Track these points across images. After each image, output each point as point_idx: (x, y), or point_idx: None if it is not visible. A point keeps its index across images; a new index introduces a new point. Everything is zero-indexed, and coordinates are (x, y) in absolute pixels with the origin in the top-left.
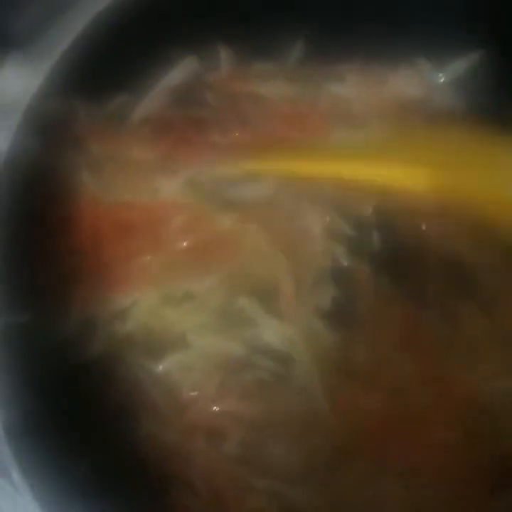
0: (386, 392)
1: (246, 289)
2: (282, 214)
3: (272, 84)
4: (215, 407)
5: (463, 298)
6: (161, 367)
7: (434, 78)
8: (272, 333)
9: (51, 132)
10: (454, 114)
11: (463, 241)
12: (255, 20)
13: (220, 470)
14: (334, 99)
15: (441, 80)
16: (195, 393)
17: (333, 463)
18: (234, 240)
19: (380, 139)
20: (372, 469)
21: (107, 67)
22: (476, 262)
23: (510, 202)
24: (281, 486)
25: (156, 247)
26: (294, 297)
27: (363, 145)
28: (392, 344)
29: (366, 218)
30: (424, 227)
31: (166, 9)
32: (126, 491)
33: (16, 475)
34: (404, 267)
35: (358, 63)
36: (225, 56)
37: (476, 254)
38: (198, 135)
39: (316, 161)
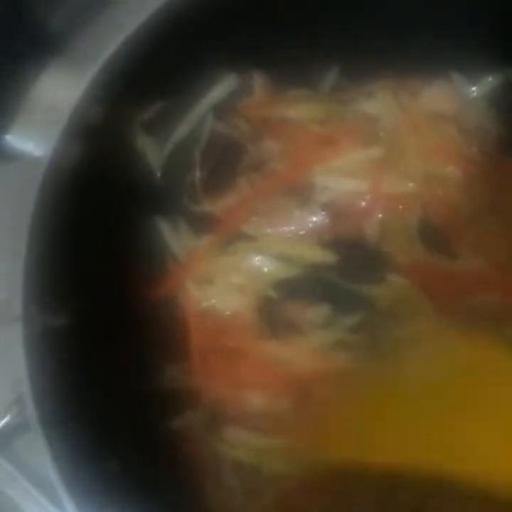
0: None
1: None
2: None
3: (302, 108)
4: None
5: None
6: None
7: (467, 93)
8: None
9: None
10: (486, 129)
11: None
12: (290, 46)
13: None
14: (364, 117)
15: (474, 95)
16: None
17: None
18: None
19: None
20: None
21: (149, 78)
22: None
23: None
24: None
25: None
26: None
27: None
28: None
29: None
30: None
31: (212, 24)
32: (159, 490)
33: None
34: None
35: (391, 80)
36: (259, 82)
37: None
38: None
39: None
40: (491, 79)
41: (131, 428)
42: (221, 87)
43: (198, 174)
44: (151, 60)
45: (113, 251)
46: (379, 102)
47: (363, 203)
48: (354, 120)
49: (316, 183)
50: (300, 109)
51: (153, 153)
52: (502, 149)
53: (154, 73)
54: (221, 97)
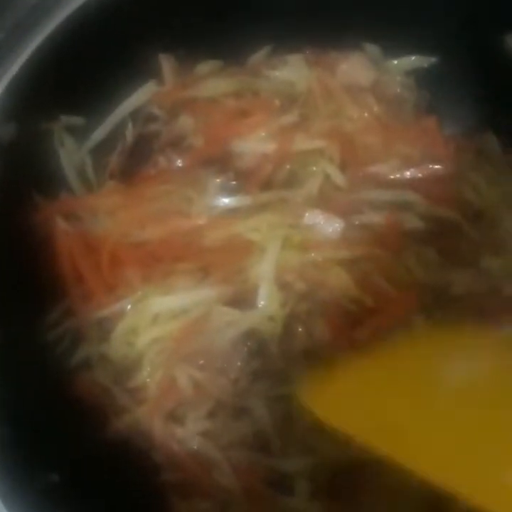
0: None
1: None
2: None
3: (213, 84)
4: None
5: None
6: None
7: (384, 65)
8: None
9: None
10: (403, 102)
11: None
12: (195, 21)
13: None
14: (277, 84)
15: (392, 67)
16: None
17: None
18: None
19: None
20: None
21: (61, 90)
22: None
23: None
24: None
25: None
26: None
27: None
28: None
29: None
30: None
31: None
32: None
33: None
34: None
35: (308, 53)
36: (166, 66)
37: None
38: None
39: None
40: (413, 58)
41: (66, 437)
42: (139, 94)
43: (115, 159)
44: (60, 75)
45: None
46: (294, 69)
47: (273, 159)
48: (268, 90)
49: (232, 151)
50: (212, 86)
51: (71, 151)
52: (419, 116)
53: (67, 88)
54: (139, 104)
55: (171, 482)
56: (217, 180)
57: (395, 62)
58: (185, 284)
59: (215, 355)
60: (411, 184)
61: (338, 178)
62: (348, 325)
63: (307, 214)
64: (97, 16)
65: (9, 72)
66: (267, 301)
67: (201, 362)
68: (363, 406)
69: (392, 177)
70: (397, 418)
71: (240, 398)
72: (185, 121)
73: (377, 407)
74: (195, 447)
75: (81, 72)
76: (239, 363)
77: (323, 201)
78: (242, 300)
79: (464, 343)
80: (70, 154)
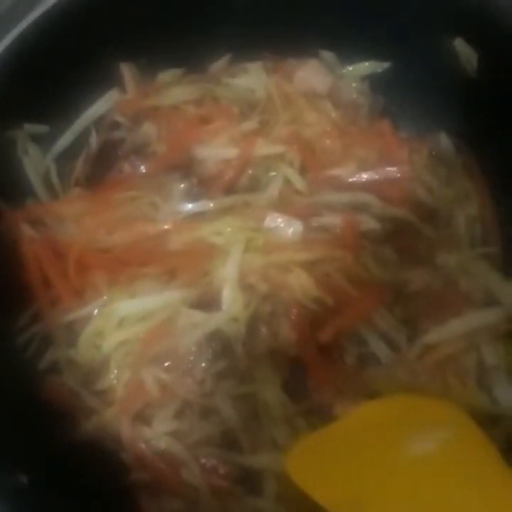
0: None
1: None
2: None
3: (175, 93)
4: None
5: None
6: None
7: (340, 71)
8: None
9: None
10: (358, 107)
11: None
12: (155, 31)
13: None
14: (237, 91)
15: (347, 73)
16: None
17: None
18: None
19: None
20: None
21: (24, 98)
22: None
23: None
24: None
25: None
26: None
27: None
28: None
29: None
30: None
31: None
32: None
33: None
34: None
35: (266, 61)
36: (127, 74)
37: None
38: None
39: None
40: (368, 63)
41: (35, 439)
42: (102, 102)
43: (79, 166)
44: (21, 84)
45: None
46: (253, 77)
47: (235, 165)
48: (229, 97)
49: (195, 157)
50: (173, 94)
51: (35, 159)
52: (374, 120)
53: (29, 96)
54: (102, 112)
55: (140, 482)
56: (181, 185)
57: (350, 68)
58: (150, 287)
59: (181, 357)
60: (368, 186)
61: (298, 182)
62: (311, 325)
63: (268, 217)
64: (59, 25)
65: None
66: (230, 302)
67: (167, 363)
68: (331, 475)
69: (349, 180)
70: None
71: (207, 398)
72: (149, 129)
73: (344, 476)
74: (163, 447)
75: (44, 80)
76: (204, 364)
77: (284, 205)
78: (206, 302)
79: (424, 416)
80: (35, 162)
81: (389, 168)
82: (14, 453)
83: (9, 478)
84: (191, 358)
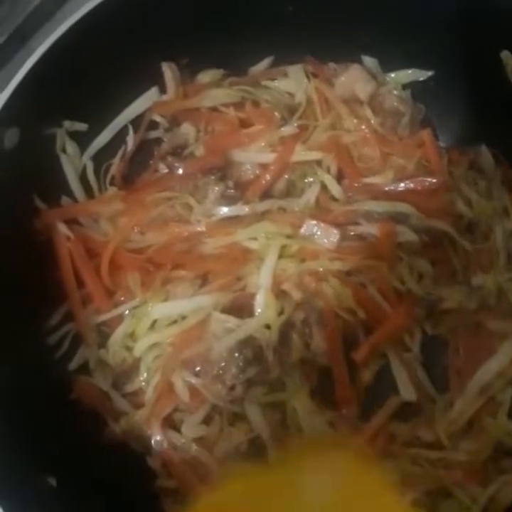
0: None
1: None
2: None
3: (215, 95)
4: None
5: None
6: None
7: (382, 78)
8: None
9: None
10: (399, 115)
11: None
12: (197, 31)
13: None
14: (277, 94)
15: (390, 80)
16: None
17: None
18: None
19: None
20: None
21: (64, 96)
22: None
23: None
24: None
25: None
26: None
27: None
28: None
29: None
30: None
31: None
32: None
33: None
34: None
35: (308, 64)
36: (169, 74)
37: None
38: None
39: None
40: (410, 71)
41: (63, 440)
42: (141, 101)
43: (116, 165)
44: (64, 81)
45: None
46: (293, 81)
47: (272, 169)
48: (268, 100)
49: (232, 160)
50: (213, 96)
51: (73, 156)
52: (414, 129)
53: (70, 94)
54: (140, 111)
55: (165, 488)
56: (217, 188)
57: (393, 75)
58: (183, 290)
59: (212, 362)
60: (405, 196)
61: (335, 189)
62: (343, 336)
63: (305, 224)
64: (102, 24)
65: (14, 78)
66: (263, 309)
67: (198, 368)
68: None
69: (386, 189)
70: None
71: (236, 405)
72: (187, 130)
73: None
74: (191, 454)
75: (85, 78)
76: (235, 370)
77: (320, 211)
78: (239, 307)
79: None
80: (72, 160)
81: (427, 179)
82: (44, 455)
83: (39, 481)
84: (222, 364)
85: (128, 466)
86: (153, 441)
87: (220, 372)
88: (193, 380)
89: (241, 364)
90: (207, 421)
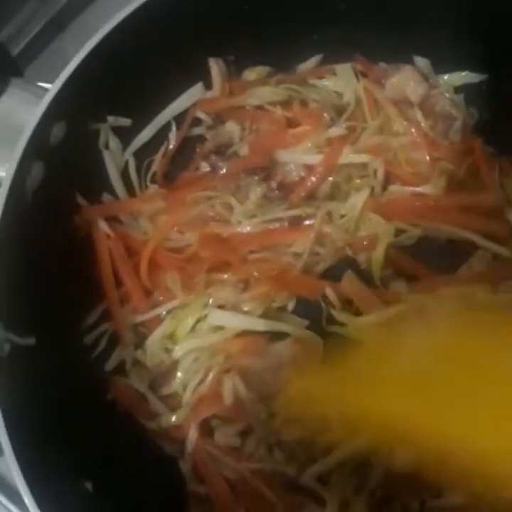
0: None
1: None
2: None
3: (262, 93)
4: None
5: None
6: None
7: (435, 81)
8: None
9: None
10: (451, 119)
11: None
12: (245, 27)
13: None
14: (325, 93)
15: (442, 83)
16: None
17: None
18: None
19: None
20: None
21: (110, 91)
22: None
23: None
24: None
25: None
26: None
27: None
28: None
29: None
30: None
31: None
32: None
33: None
34: None
35: (357, 63)
36: (216, 70)
37: None
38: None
39: None
40: (464, 73)
41: (100, 443)
42: (185, 97)
43: (158, 162)
44: (109, 77)
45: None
46: (342, 80)
47: (318, 171)
48: (316, 100)
49: (277, 161)
50: (260, 95)
51: (115, 152)
52: (467, 134)
53: (115, 89)
54: (184, 107)
55: (196, 494)
56: (259, 189)
57: (445, 77)
58: (226, 295)
59: (265, 383)
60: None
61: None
62: None
63: None
64: (150, 19)
65: (62, 73)
66: None
67: (248, 380)
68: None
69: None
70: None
71: (271, 434)
72: (232, 128)
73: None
74: (224, 464)
75: (130, 73)
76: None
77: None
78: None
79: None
80: (114, 156)
81: (479, 194)
82: (82, 458)
83: (76, 485)
84: (271, 389)
85: (160, 469)
86: (187, 445)
87: (268, 396)
88: (242, 390)
89: None
90: (243, 434)
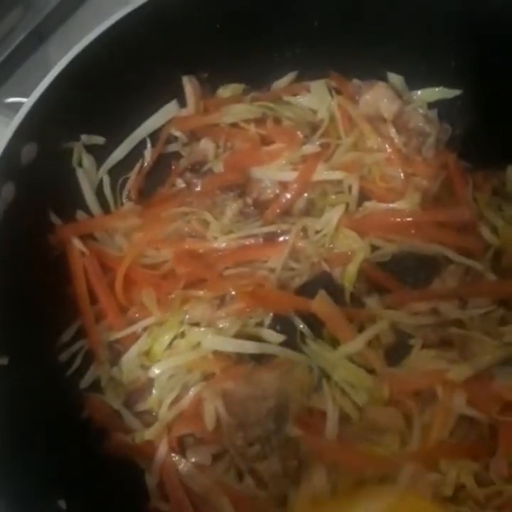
0: None
1: None
2: None
3: (236, 111)
4: None
5: None
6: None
7: (408, 97)
8: None
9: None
10: (424, 135)
11: None
12: (220, 45)
13: None
14: (299, 111)
15: (416, 99)
16: None
17: None
18: None
19: None
20: None
21: (82, 109)
22: None
23: None
24: None
25: None
26: None
27: None
28: None
29: None
30: None
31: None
32: None
33: None
34: None
35: (331, 79)
36: (189, 88)
37: None
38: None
39: None
40: (438, 89)
41: (74, 460)
42: (160, 115)
43: (133, 179)
44: (82, 95)
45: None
46: (315, 97)
47: (293, 188)
48: (290, 117)
49: (252, 178)
50: (234, 113)
51: (89, 170)
52: (440, 150)
53: (88, 107)
54: (159, 125)
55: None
56: (235, 205)
57: (419, 92)
58: (202, 312)
59: (247, 411)
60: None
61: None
62: None
63: None
64: (123, 37)
65: (33, 93)
66: None
67: (231, 405)
68: None
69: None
70: None
71: (243, 461)
72: (206, 146)
73: None
74: (192, 480)
75: (103, 91)
76: (260, 433)
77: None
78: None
79: None
80: (88, 174)
81: (453, 210)
82: (54, 477)
83: (50, 504)
84: (253, 419)
85: (128, 484)
86: (157, 460)
87: (248, 425)
88: (223, 414)
89: (270, 428)
90: (215, 458)
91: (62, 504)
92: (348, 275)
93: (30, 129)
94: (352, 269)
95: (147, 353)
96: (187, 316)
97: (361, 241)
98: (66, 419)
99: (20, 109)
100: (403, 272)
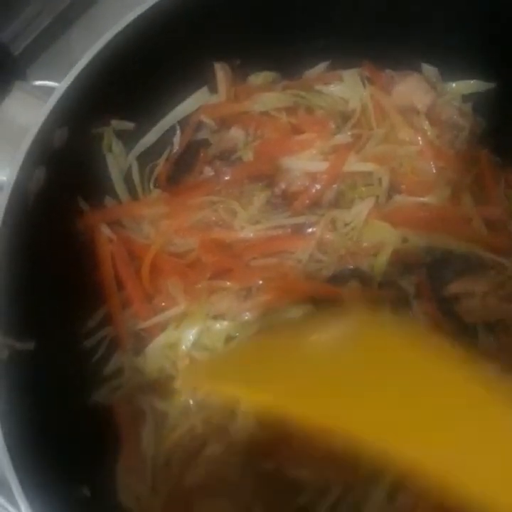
0: None
1: None
2: None
3: (267, 99)
4: None
5: None
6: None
7: (442, 89)
8: None
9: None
10: (458, 128)
11: None
12: (253, 32)
13: None
14: (331, 100)
15: (450, 91)
16: None
17: None
18: None
19: None
20: None
21: (114, 95)
22: None
23: None
24: None
25: None
26: None
27: None
28: None
29: None
30: None
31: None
32: None
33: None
34: None
35: (364, 69)
36: (221, 75)
37: None
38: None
39: None
40: (472, 82)
41: (95, 448)
42: (190, 101)
43: (161, 166)
44: (114, 80)
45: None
46: (348, 87)
47: (323, 179)
48: (322, 106)
49: (281, 167)
50: (265, 101)
51: (118, 156)
52: (473, 144)
53: (120, 93)
54: (189, 111)
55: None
56: (264, 195)
57: (453, 85)
58: (228, 304)
59: None
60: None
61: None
62: None
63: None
64: (155, 23)
65: (66, 77)
66: None
67: None
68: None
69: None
70: None
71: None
72: (236, 134)
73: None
74: None
75: (134, 77)
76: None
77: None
78: None
79: None
80: (118, 160)
81: (484, 206)
82: (79, 464)
83: (73, 491)
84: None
85: None
86: None
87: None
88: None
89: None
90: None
91: (86, 491)
92: (377, 265)
93: (63, 113)
94: (382, 259)
95: (173, 345)
96: (212, 308)
97: (393, 231)
98: (89, 408)
99: (53, 93)
100: (431, 267)
